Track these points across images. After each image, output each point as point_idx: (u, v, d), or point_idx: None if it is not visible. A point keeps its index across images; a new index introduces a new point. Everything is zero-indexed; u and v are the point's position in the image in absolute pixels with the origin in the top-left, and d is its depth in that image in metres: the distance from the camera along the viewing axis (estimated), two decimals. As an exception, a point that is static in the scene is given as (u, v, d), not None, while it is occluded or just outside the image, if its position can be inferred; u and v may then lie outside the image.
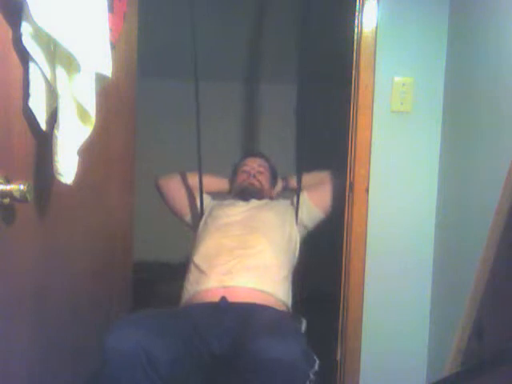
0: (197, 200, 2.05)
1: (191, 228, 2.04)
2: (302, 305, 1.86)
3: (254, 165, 2.13)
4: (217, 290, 1.58)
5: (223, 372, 1.38)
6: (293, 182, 2.06)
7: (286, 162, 2.35)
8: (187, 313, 1.52)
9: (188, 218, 2.08)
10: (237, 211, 1.93)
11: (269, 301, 1.58)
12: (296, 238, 1.91)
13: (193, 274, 1.70)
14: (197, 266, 1.70)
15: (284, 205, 2.01)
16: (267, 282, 1.61)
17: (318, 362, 1.33)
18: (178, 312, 1.54)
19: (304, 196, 2.00)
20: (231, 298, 1.54)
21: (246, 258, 1.65)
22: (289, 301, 1.66)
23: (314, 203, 2.01)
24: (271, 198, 2.10)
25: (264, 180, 2.12)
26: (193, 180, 2.09)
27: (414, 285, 1.92)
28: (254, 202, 2.00)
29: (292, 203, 2.00)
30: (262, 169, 2.13)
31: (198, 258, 1.72)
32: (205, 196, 2.03)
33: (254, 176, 2.10)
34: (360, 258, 1.90)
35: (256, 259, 1.65)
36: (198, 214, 2.02)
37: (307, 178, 2.05)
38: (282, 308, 1.62)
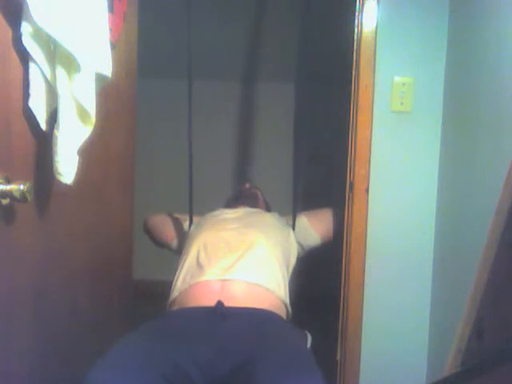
0: (184, 224, 2.03)
1: (177, 252, 1.95)
2: (302, 305, 1.86)
3: (248, 184, 2.18)
4: (214, 283, 1.50)
5: None
6: (288, 218, 2.02)
7: (284, 162, 2.34)
8: (178, 331, 1.37)
9: (175, 243, 2.04)
10: (233, 211, 1.92)
11: (268, 299, 1.51)
12: (294, 242, 1.87)
13: (188, 266, 1.60)
14: (194, 258, 1.61)
15: (281, 218, 1.98)
16: (267, 278, 1.54)
17: None
18: (168, 331, 1.38)
19: (302, 219, 1.98)
20: (228, 295, 1.45)
21: (245, 251, 1.59)
22: (287, 300, 1.60)
23: (313, 227, 1.98)
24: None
25: (259, 194, 2.13)
26: (179, 214, 2.11)
27: (414, 285, 1.92)
28: (250, 209, 1.98)
29: (289, 223, 1.96)
30: (256, 189, 2.16)
31: (195, 251, 1.64)
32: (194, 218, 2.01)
33: (250, 186, 2.14)
34: (360, 258, 1.90)
35: (254, 254, 1.59)
36: (185, 235, 1.96)
37: (308, 211, 2.06)
38: (282, 309, 1.56)
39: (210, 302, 1.43)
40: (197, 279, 1.54)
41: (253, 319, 1.41)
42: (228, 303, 1.42)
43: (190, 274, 1.58)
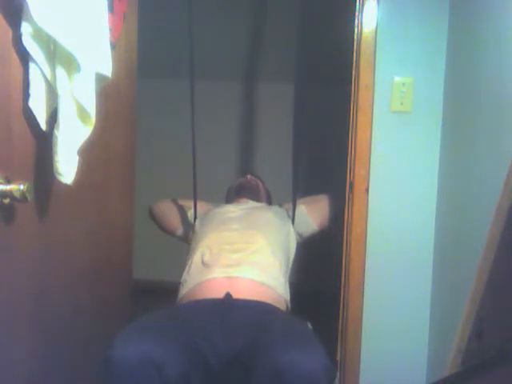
0: (188, 213, 2.07)
1: (183, 240, 2.05)
2: (302, 305, 1.86)
3: (249, 176, 2.22)
4: (221, 279, 1.56)
5: (234, 379, 1.35)
6: (287, 206, 2.06)
7: (284, 162, 2.34)
8: (190, 314, 1.46)
9: (180, 231, 2.08)
10: (235, 209, 1.95)
11: (271, 295, 1.57)
12: (293, 238, 1.91)
13: (194, 266, 1.67)
14: (199, 258, 1.68)
15: (281, 210, 2.03)
16: (269, 277, 1.61)
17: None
18: (180, 314, 1.47)
19: (302, 208, 2.01)
20: (235, 290, 1.51)
21: (248, 253, 1.65)
22: (288, 297, 1.67)
23: (311, 217, 2.02)
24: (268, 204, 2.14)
25: (261, 186, 2.18)
26: (184, 201, 2.14)
27: (414, 285, 1.92)
28: (251, 203, 2.02)
29: (288, 214, 2.00)
30: (258, 181, 2.20)
31: (201, 251, 1.70)
32: (198, 205, 2.05)
33: (251, 178, 2.18)
34: (360, 258, 1.90)
35: (256, 255, 1.65)
36: (189, 225, 2.03)
37: (306, 199, 2.09)
38: (283, 304, 1.62)
39: (219, 295, 1.50)
40: (205, 277, 1.60)
41: (258, 309, 1.48)
42: (235, 296, 1.50)
43: (198, 273, 1.64)
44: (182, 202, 2.15)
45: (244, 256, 1.63)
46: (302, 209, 2.01)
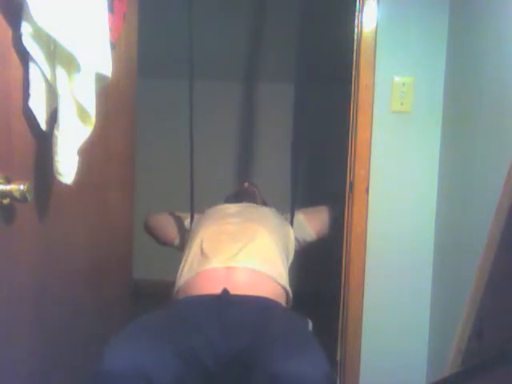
0: (185, 222, 2.06)
1: (180, 249, 1.99)
2: (302, 305, 1.86)
3: (246, 184, 2.23)
4: (219, 270, 1.55)
5: (233, 379, 1.33)
6: (285, 216, 2.05)
7: (284, 162, 2.34)
8: (186, 313, 1.44)
9: (177, 241, 2.07)
10: (233, 206, 1.95)
11: (270, 286, 1.56)
12: (292, 240, 1.90)
13: (192, 256, 1.64)
14: (197, 247, 1.66)
15: (279, 214, 2.02)
16: (269, 266, 1.59)
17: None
18: (177, 314, 1.44)
19: (300, 217, 2.01)
20: (233, 281, 1.50)
21: (248, 242, 1.64)
22: (288, 286, 1.64)
23: (309, 225, 2.03)
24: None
25: (257, 194, 2.17)
26: (178, 212, 2.14)
27: (414, 285, 1.92)
28: (250, 204, 2.01)
29: (287, 219, 2.00)
30: (254, 188, 2.21)
31: (200, 238, 1.69)
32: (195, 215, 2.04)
33: (248, 186, 2.19)
34: (360, 258, 1.90)
35: (257, 244, 1.64)
36: (186, 233, 2.00)
37: (305, 209, 2.10)
38: (283, 295, 1.61)
39: (216, 290, 1.48)
40: (203, 267, 1.58)
41: (257, 305, 1.46)
42: (233, 291, 1.48)
43: (195, 263, 1.62)
44: (178, 213, 2.14)
45: (244, 245, 1.62)
46: (299, 216, 2.01)
